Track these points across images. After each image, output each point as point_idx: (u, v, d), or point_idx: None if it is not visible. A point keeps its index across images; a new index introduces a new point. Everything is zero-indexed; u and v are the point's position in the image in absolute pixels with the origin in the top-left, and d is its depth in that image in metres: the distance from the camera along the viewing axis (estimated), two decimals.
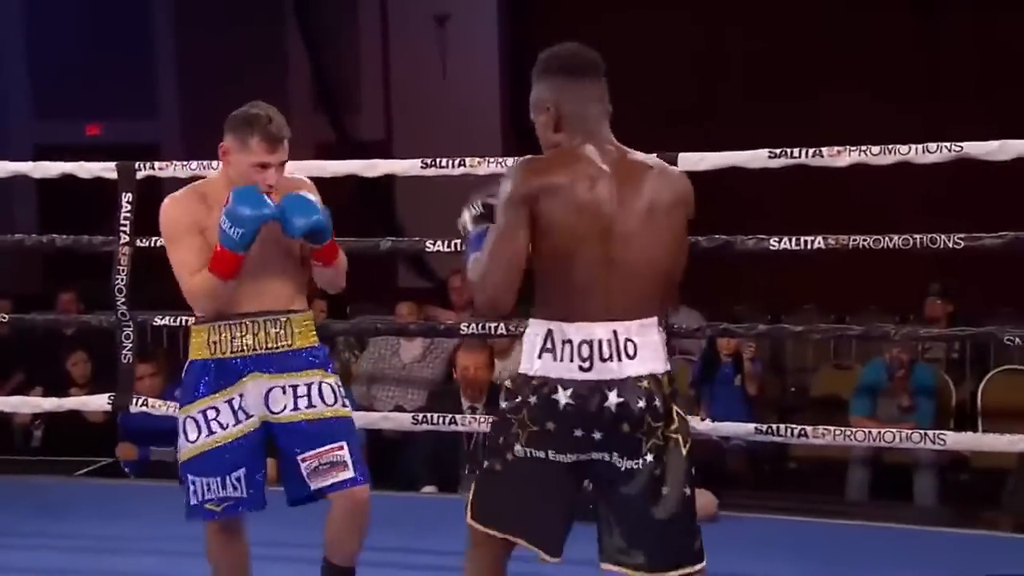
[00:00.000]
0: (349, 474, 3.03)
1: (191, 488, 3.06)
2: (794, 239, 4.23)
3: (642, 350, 2.45)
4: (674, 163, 4.26)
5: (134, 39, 10.85)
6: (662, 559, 2.46)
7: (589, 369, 2.44)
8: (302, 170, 5.28)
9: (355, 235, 4.66)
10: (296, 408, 3.06)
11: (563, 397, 2.45)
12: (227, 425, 3.06)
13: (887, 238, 4.16)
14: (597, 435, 2.44)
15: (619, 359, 2.44)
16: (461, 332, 5.10)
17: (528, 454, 2.48)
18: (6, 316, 5.84)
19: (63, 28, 10.79)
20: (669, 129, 7.28)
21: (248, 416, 3.07)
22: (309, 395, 3.07)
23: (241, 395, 3.07)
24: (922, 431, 4.43)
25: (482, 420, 4.65)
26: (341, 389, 3.15)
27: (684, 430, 2.48)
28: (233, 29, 10.61)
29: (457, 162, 4.57)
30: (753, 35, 9.75)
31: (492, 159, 4.74)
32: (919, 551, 4.18)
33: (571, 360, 2.44)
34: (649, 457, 2.43)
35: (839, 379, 6.55)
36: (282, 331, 3.07)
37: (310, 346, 3.12)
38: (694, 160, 4.29)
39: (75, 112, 10.61)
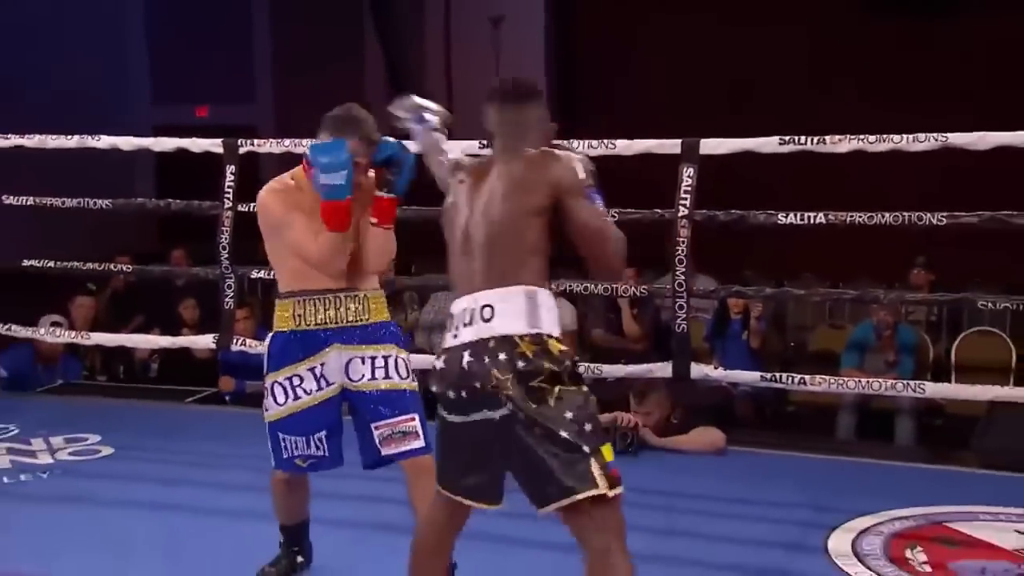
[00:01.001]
0: (420, 443, 2.93)
1: (281, 444, 2.99)
2: (798, 215, 4.19)
3: (499, 316, 2.36)
4: (696, 148, 4.26)
5: (236, 34, 10.90)
6: (550, 493, 2.34)
7: (456, 336, 2.41)
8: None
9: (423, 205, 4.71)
10: (373, 378, 2.95)
11: (439, 363, 2.44)
12: (311, 391, 2.96)
13: (879, 215, 4.12)
14: (464, 394, 2.38)
15: (474, 324, 2.37)
16: None
17: (443, 417, 2.46)
18: (129, 267, 5.92)
19: (177, 24, 10.86)
20: (699, 117, 7.18)
21: (329, 383, 2.97)
22: (386, 367, 2.96)
23: (323, 364, 2.96)
24: (904, 382, 4.41)
25: None
26: (409, 364, 3.02)
27: (555, 380, 2.33)
28: (319, 26, 10.64)
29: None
30: (774, 37, 9.60)
31: None
32: (899, 484, 4.16)
33: (450, 331, 2.43)
34: (510, 406, 2.33)
35: (833, 336, 6.50)
36: (360, 306, 2.97)
37: (384, 321, 3.02)
38: (713, 145, 4.25)
39: (186, 97, 10.69)
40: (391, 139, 2.97)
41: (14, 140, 5.13)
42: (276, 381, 2.97)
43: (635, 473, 4.15)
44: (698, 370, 4.39)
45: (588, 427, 2.34)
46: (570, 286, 5.36)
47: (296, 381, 2.97)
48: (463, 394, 2.38)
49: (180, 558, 3.38)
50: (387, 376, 2.96)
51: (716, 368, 4.57)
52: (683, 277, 4.28)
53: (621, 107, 9.51)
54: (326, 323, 2.95)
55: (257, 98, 10.87)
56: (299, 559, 3.19)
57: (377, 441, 2.95)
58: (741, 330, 6.11)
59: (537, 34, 10.70)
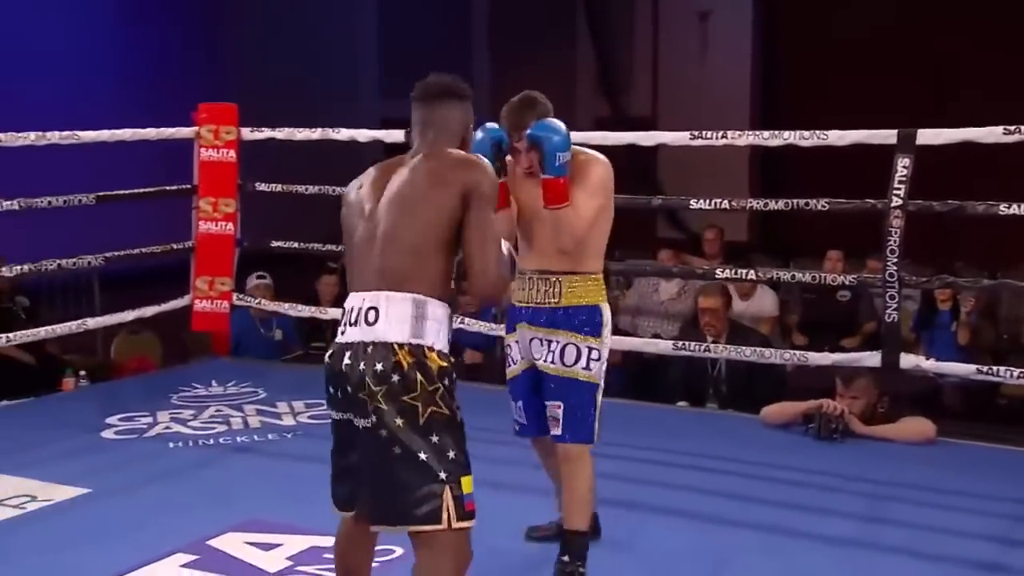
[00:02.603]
0: (557, 431, 2.88)
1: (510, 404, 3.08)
2: (1022, 206, 3.90)
3: (383, 320, 2.17)
4: (913, 138, 4.04)
5: (455, 27, 11.16)
6: (398, 512, 2.16)
7: (344, 334, 2.24)
8: (588, 140, 5.37)
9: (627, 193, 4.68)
10: (547, 361, 2.90)
11: (326, 358, 2.27)
12: (516, 361, 3.01)
13: None
14: (339, 393, 2.23)
15: (358, 325, 2.20)
16: (716, 276, 4.99)
17: (329, 413, 2.33)
18: None
19: (403, 24, 11.22)
20: (909, 106, 6.82)
21: (522, 358, 3.00)
22: (559, 353, 2.88)
23: (518, 340, 3.00)
24: None
25: (726, 350, 4.56)
26: (593, 352, 2.87)
27: (427, 400, 2.15)
28: (534, 19, 10.75)
29: (720, 134, 4.45)
30: (988, 20, 8.96)
31: (751, 132, 4.61)
32: None
33: (340, 327, 2.27)
34: (374, 418, 2.15)
35: None
36: (551, 289, 2.88)
37: (576, 305, 2.87)
38: (931, 135, 4.03)
39: (410, 92, 11.00)
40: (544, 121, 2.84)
41: (267, 132, 5.45)
42: (506, 345, 3.08)
43: (841, 460, 4.06)
44: (908, 360, 4.18)
45: (451, 454, 2.17)
46: (776, 274, 5.24)
47: (508, 351, 3.05)
48: (338, 393, 2.24)
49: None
50: (553, 361, 2.88)
51: (928, 359, 4.33)
52: (894, 267, 4.08)
53: (831, 97, 9.12)
54: (521, 301, 2.96)
55: (474, 92, 11.09)
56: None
57: (546, 417, 2.93)
58: (950, 321, 5.84)
59: (744, 26, 10.42)
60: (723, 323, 5.11)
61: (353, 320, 2.22)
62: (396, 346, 2.17)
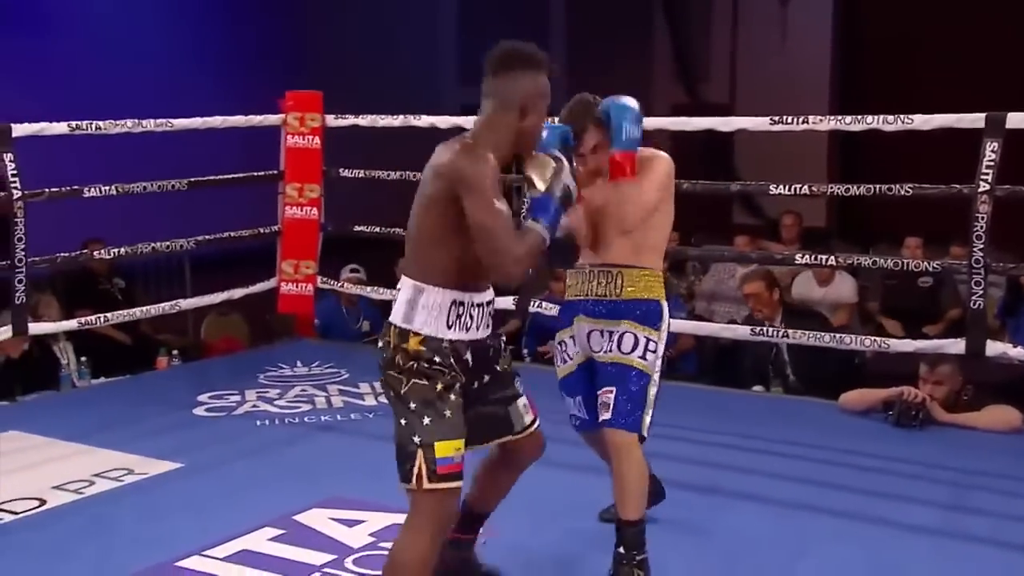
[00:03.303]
0: (607, 416, 2.79)
1: (565, 402, 3.03)
2: None
3: (397, 302, 2.37)
4: (1003, 122, 3.89)
5: (532, 17, 11.12)
6: (399, 472, 2.34)
7: None
8: (665, 126, 5.30)
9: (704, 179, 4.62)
10: (607, 351, 2.83)
11: None
12: (571, 357, 2.95)
13: None
14: None
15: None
16: (796, 261, 4.88)
17: None
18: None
19: (482, 12, 11.21)
20: (994, 89, 6.57)
21: (578, 352, 2.93)
22: (616, 341, 2.81)
23: (574, 335, 2.93)
24: None
25: (804, 336, 4.45)
26: (651, 343, 2.80)
27: (408, 374, 2.32)
28: (612, 7, 10.65)
29: (800, 119, 4.34)
30: None
31: (832, 117, 4.49)
32: None
33: None
34: (383, 388, 2.41)
35: None
36: (612, 282, 2.83)
37: (636, 299, 2.83)
38: (1020, 119, 3.87)
39: None
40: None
41: (351, 120, 5.49)
42: (558, 341, 3.01)
43: (923, 448, 3.95)
44: (994, 347, 4.03)
45: (426, 420, 2.30)
46: (856, 260, 5.11)
47: (562, 347, 2.98)
48: None
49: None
50: (610, 350, 2.82)
51: (1016, 347, 4.18)
52: (980, 253, 3.94)
53: (913, 80, 8.85)
54: (579, 295, 2.90)
55: (550, 81, 11.04)
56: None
57: (597, 406, 2.86)
58: None
59: (823, 13, 10.18)
60: (771, 307, 5.07)
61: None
62: (393, 327, 2.36)
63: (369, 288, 5.74)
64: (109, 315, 4.94)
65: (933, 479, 3.66)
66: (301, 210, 5.62)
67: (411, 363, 2.32)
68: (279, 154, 5.64)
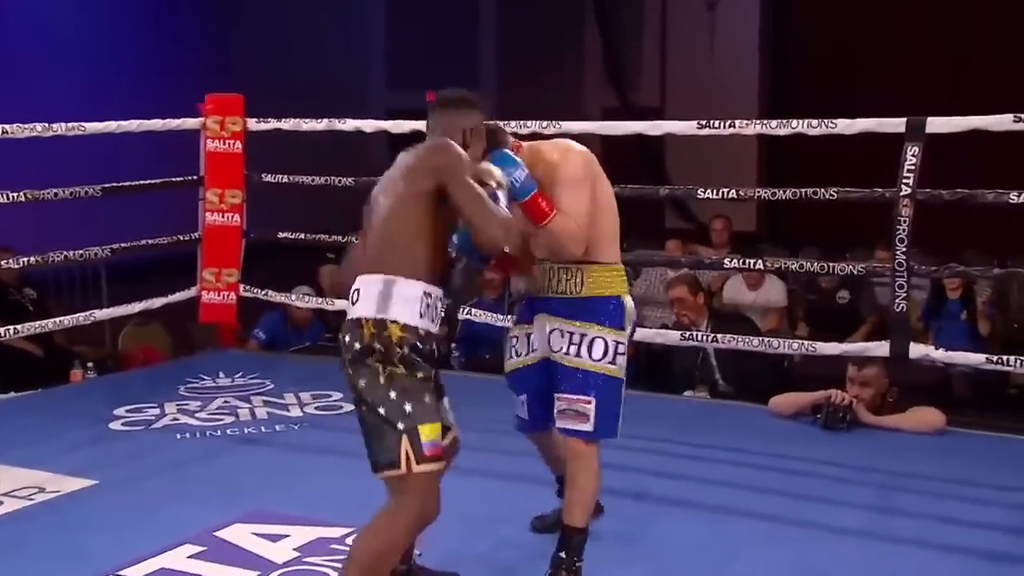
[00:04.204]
0: (588, 428, 2.77)
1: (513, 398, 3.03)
2: None
3: (361, 300, 2.45)
4: (923, 127, 4.01)
5: (462, 21, 11.13)
6: (373, 462, 2.45)
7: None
8: (595, 131, 5.36)
9: (634, 183, 4.66)
10: (567, 353, 2.79)
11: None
12: (521, 353, 2.93)
13: None
14: (341, 364, 2.51)
15: (351, 305, 2.48)
16: (724, 266, 4.96)
17: None
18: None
19: (411, 15, 11.20)
20: (918, 95, 6.78)
21: (533, 350, 2.90)
22: (580, 344, 2.78)
23: (531, 333, 2.90)
24: None
25: (734, 340, 4.53)
26: (619, 346, 2.78)
27: (386, 362, 2.41)
28: (542, 12, 10.71)
29: (728, 123, 4.42)
30: (997, 7, 8.90)
31: (758, 121, 4.59)
32: None
33: None
34: (350, 384, 2.46)
35: None
36: (572, 279, 2.81)
37: (598, 296, 2.80)
38: (940, 124, 3.99)
39: (417, 83, 10.98)
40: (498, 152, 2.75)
41: (272, 123, 5.44)
42: (509, 335, 3.02)
43: (850, 450, 4.04)
44: (918, 350, 4.15)
45: (408, 407, 2.40)
46: (783, 264, 5.21)
47: (514, 342, 2.96)
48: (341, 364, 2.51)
49: None
50: (579, 355, 2.78)
51: (937, 349, 4.30)
52: (903, 256, 4.05)
53: (839, 86, 9.08)
54: (540, 291, 2.87)
55: (480, 82, 11.07)
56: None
57: (555, 411, 2.83)
58: (959, 311, 5.80)
59: (752, 17, 10.39)
60: (696, 311, 5.14)
61: (349, 302, 2.50)
62: (363, 321, 2.43)
63: (294, 295, 5.68)
64: (19, 327, 4.82)
65: (860, 481, 3.74)
66: (222, 216, 5.55)
67: (392, 350, 2.41)
68: (199, 159, 5.57)
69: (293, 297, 5.71)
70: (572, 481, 2.83)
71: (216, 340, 5.88)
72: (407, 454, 2.39)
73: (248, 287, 5.65)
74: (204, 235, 5.58)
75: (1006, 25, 8.92)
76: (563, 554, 2.81)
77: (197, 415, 4.55)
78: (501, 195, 2.56)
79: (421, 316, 2.44)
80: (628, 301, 2.85)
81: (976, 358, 4.18)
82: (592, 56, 11.28)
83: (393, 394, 2.40)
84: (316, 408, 4.68)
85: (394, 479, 2.43)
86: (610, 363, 2.78)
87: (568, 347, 2.79)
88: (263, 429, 4.39)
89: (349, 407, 4.72)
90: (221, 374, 5.22)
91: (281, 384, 5.04)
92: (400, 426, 2.40)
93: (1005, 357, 4.08)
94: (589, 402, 2.77)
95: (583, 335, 2.78)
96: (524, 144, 2.88)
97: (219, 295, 5.59)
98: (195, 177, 5.58)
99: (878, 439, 4.20)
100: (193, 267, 5.63)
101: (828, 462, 3.92)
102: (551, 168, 2.78)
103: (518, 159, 2.70)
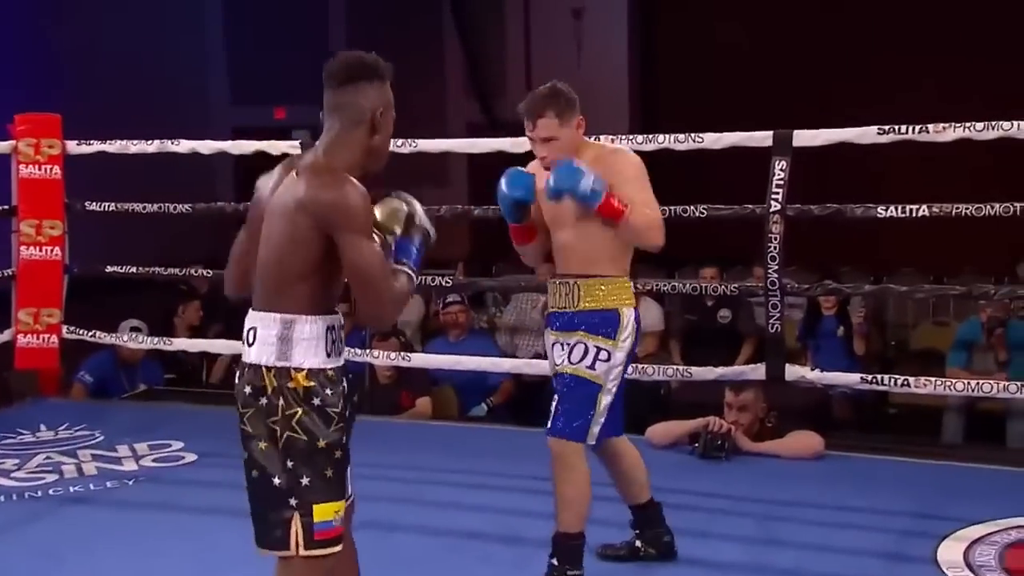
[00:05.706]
0: (550, 425, 3.04)
1: None
2: (900, 208, 4.08)
3: (258, 342, 2.28)
4: (789, 140, 4.18)
5: (312, 34, 11.06)
6: (258, 535, 2.31)
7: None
8: (457, 147, 5.39)
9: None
10: (558, 363, 3.10)
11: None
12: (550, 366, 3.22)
13: (988, 206, 3.98)
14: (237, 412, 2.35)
15: (247, 345, 2.32)
16: None
17: None
18: (209, 272, 5.99)
19: (254, 25, 11.06)
20: (789, 108, 7.07)
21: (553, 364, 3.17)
22: (568, 352, 3.06)
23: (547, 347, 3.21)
24: (1018, 383, 4.26)
25: None
26: (602, 352, 3.02)
27: (284, 425, 2.24)
28: (398, 22, 10.73)
29: (593, 139, 4.49)
30: (866, 20, 9.39)
31: (623, 136, 4.69)
32: (1013, 490, 4.02)
33: None
34: (243, 440, 2.30)
35: (937, 334, 6.37)
36: (570, 294, 3.06)
37: (592, 309, 3.04)
38: (808, 137, 4.17)
39: (265, 99, 10.86)
40: (564, 163, 2.96)
41: (96, 146, 5.28)
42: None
43: (728, 480, 4.15)
44: (793, 372, 4.31)
45: (304, 481, 2.24)
46: (656, 285, 5.34)
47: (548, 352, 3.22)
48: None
49: (267, 564, 3.42)
50: (568, 361, 3.04)
51: (812, 370, 4.47)
52: (776, 275, 4.21)
53: (707, 99, 9.39)
54: (549, 308, 3.16)
55: None
56: None
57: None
58: (835, 328, 6.03)
59: (620, 25, 10.65)
60: None
61: (244, 340, 2.33)
62: (264, 369, 2.27)
63: (126, 336, 5.51)
64: None
65: (740, 512, 3.85)
66: (40, 250, 5.36)
67: (294, 409, 2.24)
68: (10, 187, 5.36)
69: (124, 337, 5.54)
70: (555, 485, 3.05)
71: (36, 388, 5.64)
72: (297, 535, 2.25)
73: (72, 328, 5.45)
74: (19, 271, 5.37)
75: (878, 38, 9.40)
76: (555, 560, 3.05)
77: (13, 474, 4.36)
78: (413, 240, 2.38)
79: (328, 355, 2.28)
80: (628, 312, 3.06)
81: (851, 378, 4.36)
82: (452, 66, 11.36)
83: (290, 463, 2.25)
84: (154, 460, 4.55)
85: (282, 561, 2.30)
86: (588, 367, 3.01)
87: (559, 357, 3.09)
88: (92, 487, 4.23)
89: (192, 457, 4.66)
90: (42, 427, 5.02)
91: (112, 435, 4.88)
92: (292, 502, 2.25)
93: (880, 376, 4.27)
94: (555, 400, 3.04)
95: (568, 344, 3.06)
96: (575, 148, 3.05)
97: (38, 338, 5.39)
98: (6, 207, 5.37)
99: (757, 467, 4.33)
100: (7, 308, 5.40)
101: (706, 493, 4.01)
102: (609, 166, 3.01)
103: (582, 167, 2.91)
